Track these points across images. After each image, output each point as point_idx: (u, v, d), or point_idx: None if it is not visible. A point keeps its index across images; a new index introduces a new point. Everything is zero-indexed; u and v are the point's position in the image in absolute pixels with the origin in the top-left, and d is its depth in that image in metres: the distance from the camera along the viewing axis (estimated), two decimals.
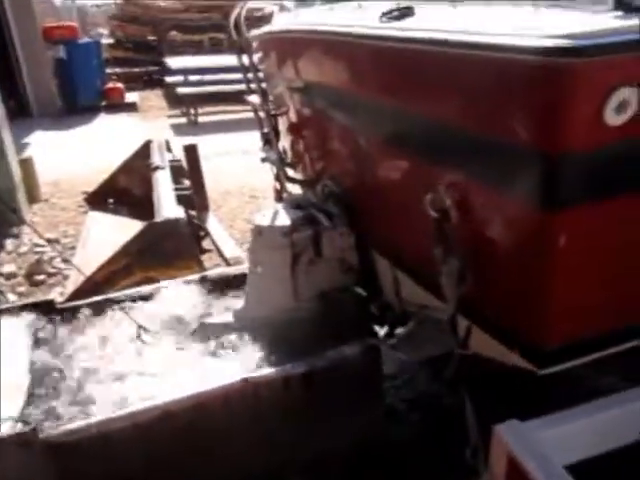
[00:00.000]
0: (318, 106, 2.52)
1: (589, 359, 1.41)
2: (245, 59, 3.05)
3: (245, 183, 6.79)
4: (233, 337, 2.34)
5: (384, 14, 1.69)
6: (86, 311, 2.58)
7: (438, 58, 1.40)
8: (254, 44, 3.14)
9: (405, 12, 1.62)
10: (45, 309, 2.55)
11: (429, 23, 1.53)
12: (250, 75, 3.13)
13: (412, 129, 1.65)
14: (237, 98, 11.19)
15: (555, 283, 1.29)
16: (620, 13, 1.15)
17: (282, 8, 3.10)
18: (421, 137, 1.61)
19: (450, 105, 1.42)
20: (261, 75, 3.15)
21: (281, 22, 2.84)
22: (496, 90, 1.24)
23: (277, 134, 3.11)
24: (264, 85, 3.13)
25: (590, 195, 1.19)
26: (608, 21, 1.13)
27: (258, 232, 2.35)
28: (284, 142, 3.20)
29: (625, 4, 1.14)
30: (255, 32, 3.02)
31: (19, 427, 1.82)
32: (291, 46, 2.58)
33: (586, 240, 1.24)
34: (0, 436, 1.75)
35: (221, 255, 4.53)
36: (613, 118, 1.10)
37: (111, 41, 17.77)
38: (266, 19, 3.19)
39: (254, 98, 3.21)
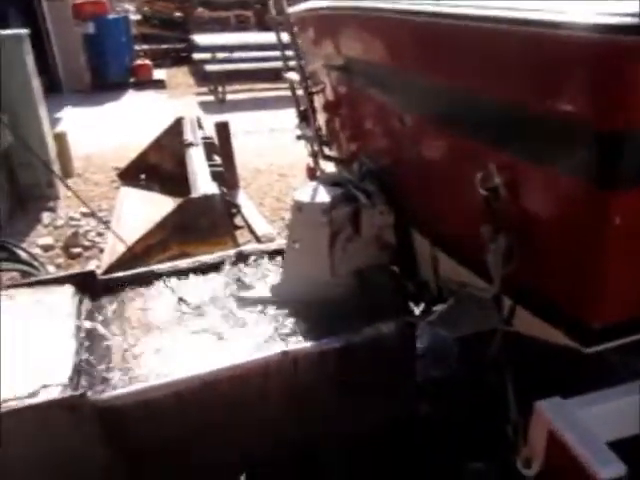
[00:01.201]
0: (357, 84, 2.52)
1: (635, 339, 1.42)
2: (284, 36, 3.04)
3: (273, 161, 6.82)
4: (271, 311, 2.38)
5: None
6: (127, 282, 2.65)
7: (493, 35, 1.39)
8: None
9: None
10: (87, 280, 2.62)
11: (480, 0, 1.52)
12: (289, 52, 3.13)
13: (461, 107, 1.64)
14: (265, 76, 11.22)
15: (606, 262, 1.29)
16: None
17: None
18: (471, 115, 1.60)
19: (504, 83, 1.41)
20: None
21: None
22: (554, 68, 1.23)
23: (313, 112, 3.11)
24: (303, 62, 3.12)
25: None
26: None
27: (298, 208, 2.37)
28: (320, 120, 3.20)
29: None
30: (293, 9, 3.01)
31: (68, 392, 1.89)
32: (332, 23, 2.57)
33: None
34: (51, 400, 1.83)
35: (252, 232, 4.59)
36: None
37: (138, 17, 17.79)
38: None
39: (292, 75, 3.21)
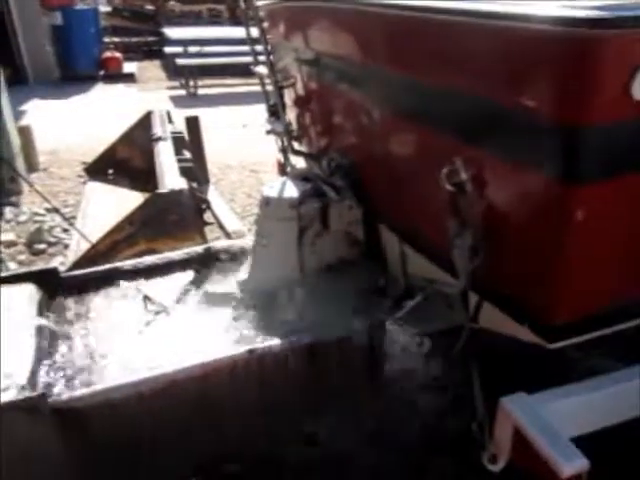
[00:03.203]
0: (328, 78, 2.49)
1: (598, 334, 1.42)
2: (253, 29, 3.00)
3: (245, 157, 6.75)
4: (238, 308, 2.35)
5: None
6: (91, 280, 2.57)
7: (461, 29, 1.38)
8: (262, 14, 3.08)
9: None
10: (49, 277, 2.54)
11: None
12: (258, 46, 3.09)
13: (429, 102, 1.63)
14: (237, 70, 11.10)
15: (569, 258, 1.29)
16: None
17: None
18: (438, 110, 1.59)
19: (470, 77, 1.40)
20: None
21: None
22: (520, 61, 1.22)
23: (283, 106, 3.08)
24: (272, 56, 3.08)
25: (611, 170, 1.19)
26: None
27: (266, 203, 2.34)
28: (290, 114, 3.17)
29: None
30: (263, 2, 2.97)
31: (26, 393, 1.83)
32: (302, 16, 2.54)
33: (604, 215, 1.24)
34: (8, 401, 1.77)
35: (222, 228, 4.53)
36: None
37: (108, 9, 17.46)
38: None
39: (261, 69, 3.17)
